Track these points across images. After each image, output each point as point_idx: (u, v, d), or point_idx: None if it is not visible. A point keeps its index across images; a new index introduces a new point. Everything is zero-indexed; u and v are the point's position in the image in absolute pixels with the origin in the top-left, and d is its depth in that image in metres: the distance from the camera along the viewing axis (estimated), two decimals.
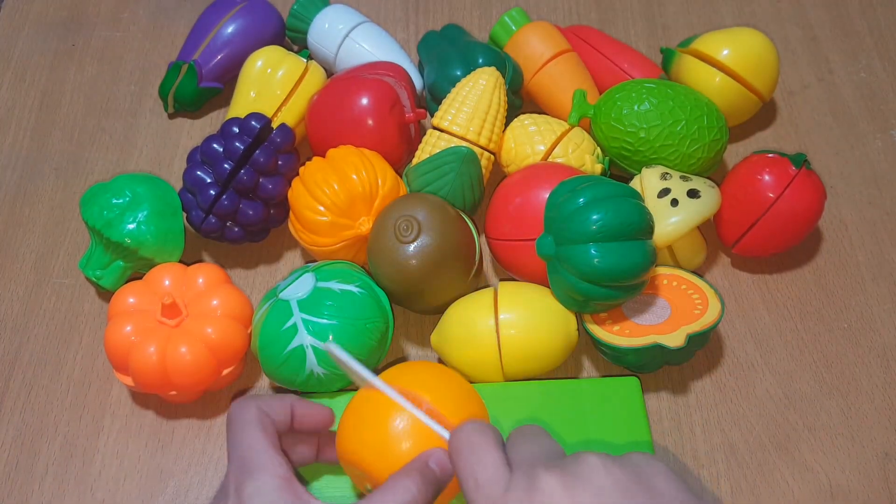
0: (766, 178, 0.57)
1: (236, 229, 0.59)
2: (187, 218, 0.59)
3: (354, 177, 0.55)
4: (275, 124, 0.63)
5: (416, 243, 0.52)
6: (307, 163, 0.58)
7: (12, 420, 0.56)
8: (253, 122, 0.58)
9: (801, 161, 0.57)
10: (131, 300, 0.54)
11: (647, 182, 0.57)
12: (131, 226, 0.56)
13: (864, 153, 0.68)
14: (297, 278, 0.53)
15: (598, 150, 0.61)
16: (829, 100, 0.71)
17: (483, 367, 0.53)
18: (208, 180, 0.58)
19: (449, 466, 0.40)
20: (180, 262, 0.58)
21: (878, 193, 0.65)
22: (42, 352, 0.59)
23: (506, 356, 0.52)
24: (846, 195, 0.65)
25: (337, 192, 0.55)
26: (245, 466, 0.40)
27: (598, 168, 0.60)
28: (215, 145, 0.58)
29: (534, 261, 0.54)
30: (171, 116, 0.71)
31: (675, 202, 0.55)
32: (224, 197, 0.57)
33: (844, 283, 0.61)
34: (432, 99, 0.65)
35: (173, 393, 0.53)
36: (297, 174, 0.58)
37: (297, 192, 0.57)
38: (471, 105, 0.59)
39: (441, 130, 0.60)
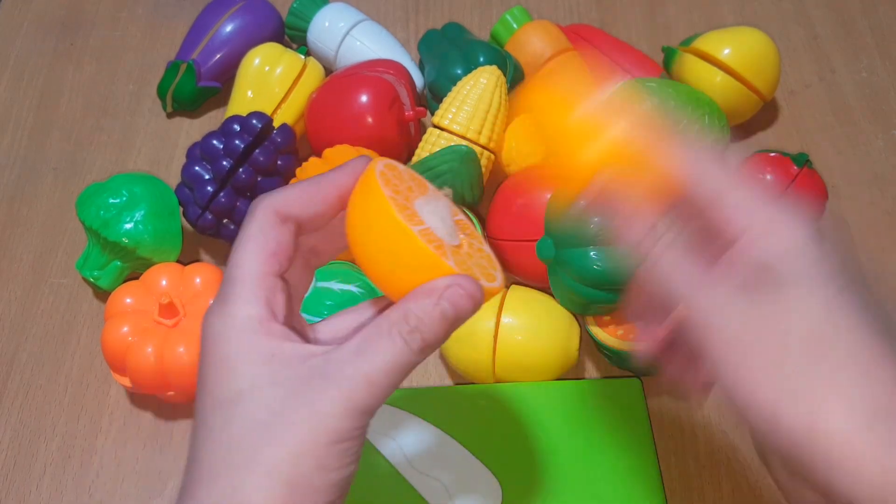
0: (768, 177, 0.57)
1: (232, 227, 0.59)
2: (184, 213, 0.59)
3: None
4: (274, 122, 0.63)
5: None
6: (304, 164, 0.57)
7: (10, 420, 0.55)
8: (254, 121, 0.58)
9: (802, 161, 0.57)
10: (128, 300, 0.53)
11: None
12: (128, 226, 0.56)
13: (865, 153, 0.67)
14: None
15: None
16: (830, 99, 0.71)
17: (476, 367, 0.53)
18: (206, 177, 0.58)
19: (468, 304, 0.30)
20: (177, 261, 0.58)
21: (880, 193, 0.65)
22: (40, 352, 0.58)
23: (499, 361, 0.52)
24: (848, 195, 0.65)
25: None
26: (218, 298, 0.32)
27: None
28: (215, 142, 0.58)
29: (535, 262, 0.54)
30: (169, 116, 0.71)
31: None
32: (221, 194, 0.57)
33: None
34: (433, 97, 0.65)
35: (171, 393, 0.52)
36: (295, 175, 0.58)
37: None
38: (471, 104, 0.59)
39: (441, 129, 0.59)
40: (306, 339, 0.32)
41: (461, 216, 0.35)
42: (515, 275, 0.58)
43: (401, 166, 0.34)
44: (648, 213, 0.31)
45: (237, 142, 0.57)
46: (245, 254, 0.31)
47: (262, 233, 0.31)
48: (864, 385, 0.27)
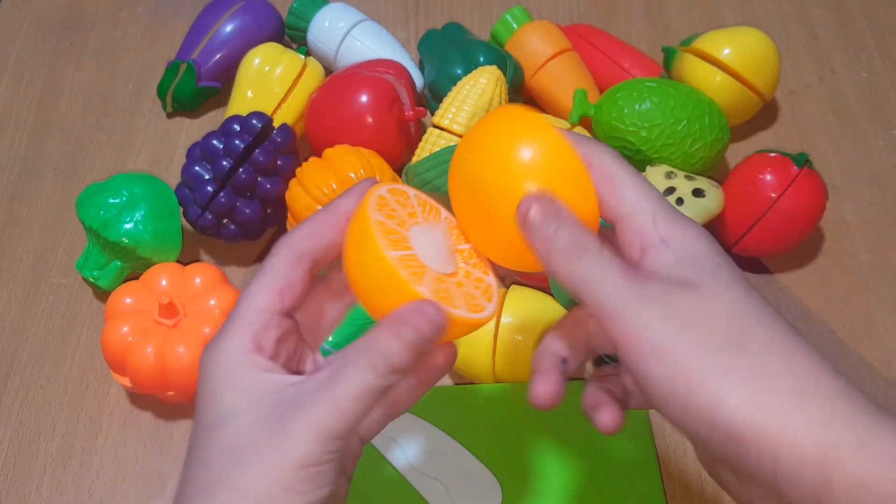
0: (768, 177, 0.57)
1: (232, 227, 0.59)
2: (184, 213, 0.59)
3: (353, 175, 0.55)
4: (274, 122, 0.63)
5: None
6: (304, 164, 0.58)
7: (10, 420, 0.55)
8: (254, 121, 0.58)
9: (803, 161, 0.57)
10: (128, 300, 0.53)
11: (652, 180, 0.57)
12: (129, 226, 0.56)
13: (865, 153, 0.67)
14: None
15: None
16: (830, 99, 0.71)
17: (476, 367, 0.53)
18: (206, 177, 0.58)
19: (429, 329, 0.31)
20: (177, 261, 0.58)
21: (880, 193, 0.65)
22: (40, 352, 0.58)
23: (499, 361, 0.52)
24: (848, 195, 0.65)
25: (336, 192, 0.55)
26: (218, 331, 0.33)
27: None
28: (215, 142, 0.58)
29: None
30: (169, 116, 0.71)
31: (680, 201, 0.55)
32: (221, 194, 0.57)
33: (846, 284, 0.60)
34: (433, 97, 0.65)
35: (171, 393, 0.52)
36: (295, 175, 0.58)
37: (296, 194, 0.56)
38: (471, 104, 0.59)
39: (441, 129, 0.59)
40: (317, 368, 0.34)
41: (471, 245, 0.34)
42: (515, 275, 0.58)
43: (411, 191, 0.34)
44: (578, 231, 0.31)
45: (237, 142, 0.57)
46: (251, 292, 0.33)
47: (273, 271, 0.33)
48: (789, 369, 0.28)
